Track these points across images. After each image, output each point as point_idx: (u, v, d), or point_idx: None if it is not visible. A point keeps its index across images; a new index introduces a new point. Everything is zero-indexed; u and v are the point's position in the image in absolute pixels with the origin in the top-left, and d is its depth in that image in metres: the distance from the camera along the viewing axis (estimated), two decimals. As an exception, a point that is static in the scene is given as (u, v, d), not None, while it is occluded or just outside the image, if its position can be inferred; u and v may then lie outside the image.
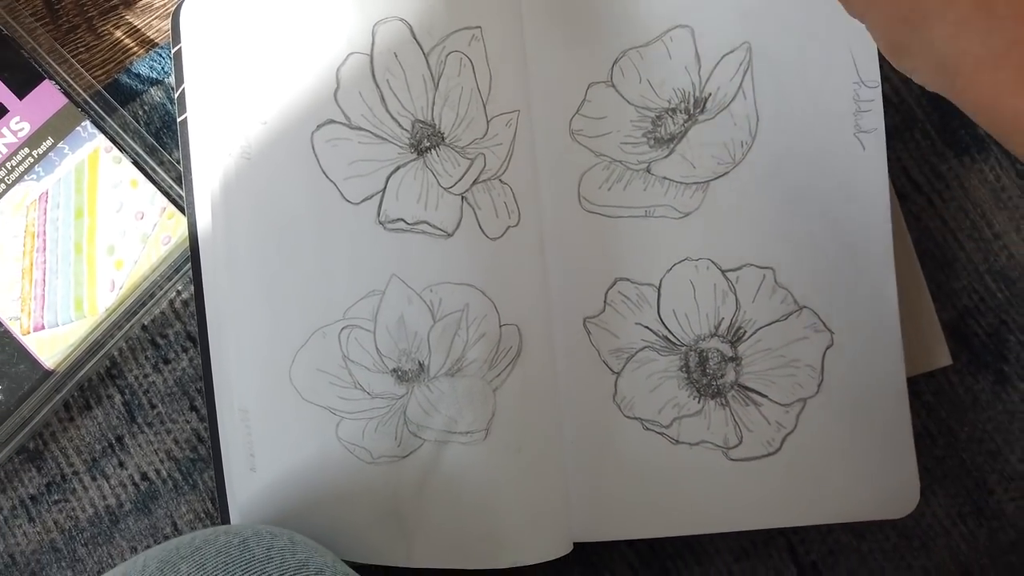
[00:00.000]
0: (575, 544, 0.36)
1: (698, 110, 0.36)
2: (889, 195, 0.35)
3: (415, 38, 0.33)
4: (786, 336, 0.36)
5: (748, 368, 0.36)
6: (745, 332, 0.36)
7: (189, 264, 0.38)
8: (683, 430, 0.36)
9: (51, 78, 0.39)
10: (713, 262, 0.36)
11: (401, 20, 0.33)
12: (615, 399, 0.36)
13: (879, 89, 0.35)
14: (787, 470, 0.35)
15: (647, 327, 0.36)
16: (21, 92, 0.39)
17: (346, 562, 0.31)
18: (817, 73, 0.35)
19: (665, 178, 0.36)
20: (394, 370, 0.34)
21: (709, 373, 0.36)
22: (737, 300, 0.36)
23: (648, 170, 0.36)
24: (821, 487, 0.35)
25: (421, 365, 0.34)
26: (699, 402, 0.36)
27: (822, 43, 0.35)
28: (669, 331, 0.36)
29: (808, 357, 0.36)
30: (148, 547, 0.39)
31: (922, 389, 0.40)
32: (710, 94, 0.36)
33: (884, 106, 0.41)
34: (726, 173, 0.36)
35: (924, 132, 0.41)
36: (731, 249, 0.36)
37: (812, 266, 0.36)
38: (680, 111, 0.36)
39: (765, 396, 0.36)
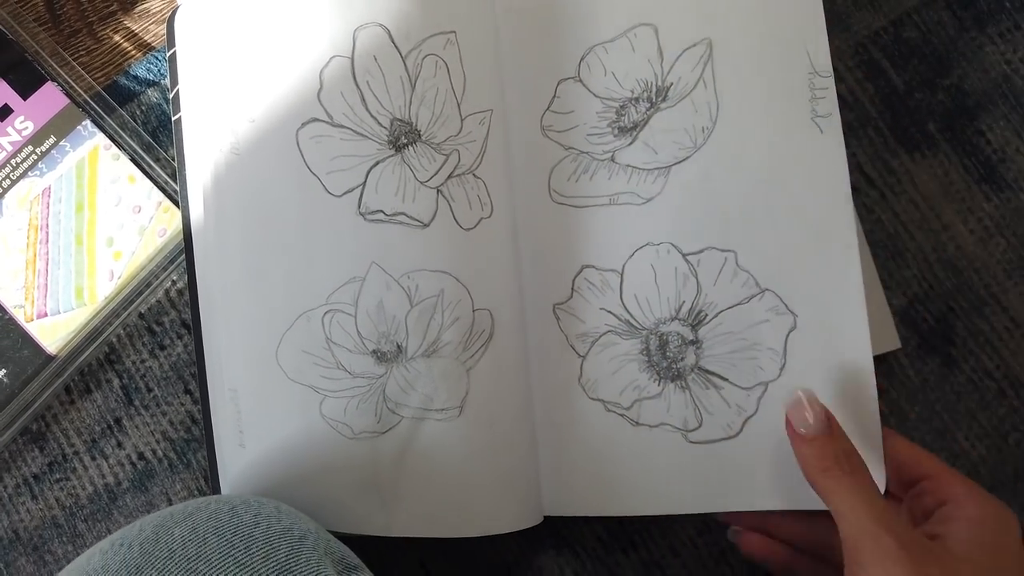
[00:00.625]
0: (546, 517, 0.37)
1: (660, 98, 0.36)
2: (848, 176, 0.35)
3: (393, 42, 0.35)
4: (748, 319, 0.36)
5: (709, 351, 0.36)
6: (706, 315, 0.36)
7: (183, 255, 0.40)
8: (643, 412, 0.37)
9: (53, 80, 0.41)
10: (674, 246, 0.36)
11: (380, 25, 0.35)
12: (580, 381, 0.37)
13: (832, 79, 0.36)
14: (748, 454, 0.36)
15: (610, 312, 0.37)
16: (25, 93, 0.41)
17: (329, 531, 0.32)
18: (775, 65, 0.36)
19: (628, 165, 0.37)
20: (374, 351, 0.35)
21: (669, 356, 0.37)
22: (698, 283, 0.36)
23: (612, 159, 0.37)
24: (784, 472, 0.35)
25: (399, 347, 0.36)
26: (659, 385, 0.37)
27: (779, 39, 0.36)
28: (631, 315, 0.37)
29: (770, 340, 0.36)
30: (145, 522, 0.41)
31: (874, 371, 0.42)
32: (672, 83, 0.36)
33: (840, 105, 0.43)
34: (687, 158, 0.36)
35: (877, 129, 0.43)
36: (692, 233, 0.36)
37: (774, 248, 0.36)
38: (643, 100, 0.37)
39: (726, 379, 0.36)
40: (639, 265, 0.37)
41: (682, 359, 0.37)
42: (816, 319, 0.35)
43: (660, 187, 0.37)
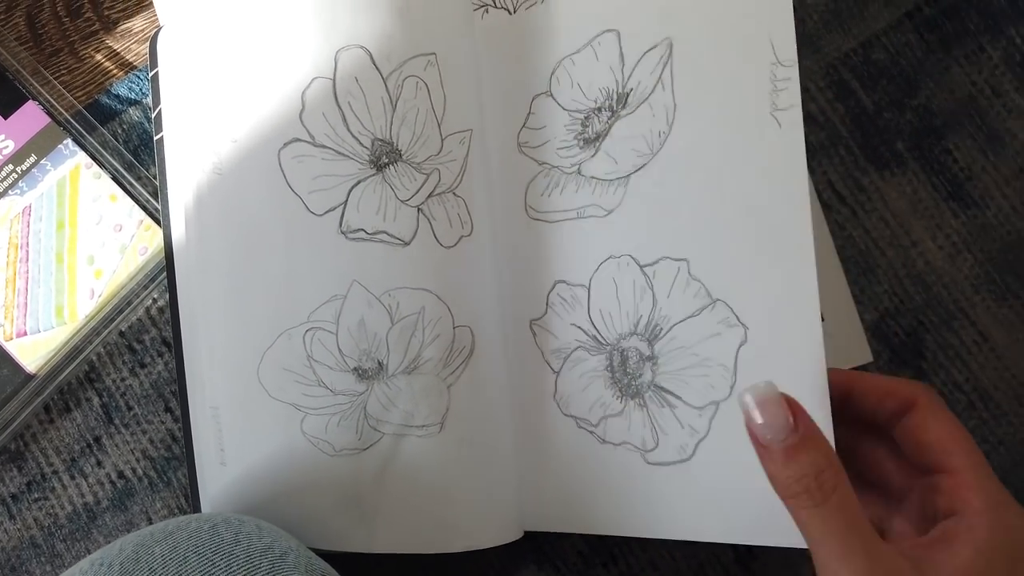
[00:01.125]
0: (526, 532, 0.37)
1: (620, 105, 0.35)
2: (807, 175, 0.32)
3: (374, 64, 0.36)
4: (699, 332, 0.34)
5: (664, 367, 0.35)
6: (661, 329, 0.35)
7: (164, 273, 0.40)
8: (608, 429, 0.36)
9: (34, 99, 0.41)
10: (633, 258, 0.35)
11: (361, 47, 0.36)
12: (555, 397, 0.37)
13: (795, 68, 0.32)
14: (700, 478, 0.34)
15: (580, 327, 0.37)
16: (6, 112, 0.41)
17: (312, 549, 0.32)
18: (735, 58, 0.33)
19: (592, 177, 0.36)
20: (355, 369, 0.36)
21: (629, 373, 0.35)
22: (654, 296, 0.35)
23: (579, 171, 0.36)
24: (735, 502, 0.33)
25: (380, 364, 0.36)
26: (621, 402, 0.36)
27: (741, 30, 0.33)
28: (597, 330, 0.36)
29: (721, 355, 0.33)
30: (124, 541, 0.40)
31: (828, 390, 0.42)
32: (631, 89, 0.35)
33: (810, 125, 0.44)
34: (644, 165, 0.35)
35: (848, 148, 0.45)
36: (649, 243, 0.35)
37: (726, 255, 0.33)
38: (605, 109, 0.36)
39: (679, 398, 0.34)
40: (603, 279, 0.36)
41: (640, 376, 0.35)
42: (767, 332, 0.33)
43: (620, 198, 0.36)
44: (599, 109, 0.36)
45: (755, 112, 0.33)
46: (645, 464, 0.35)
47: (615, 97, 0.35)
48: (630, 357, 0.35)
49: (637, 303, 0.35)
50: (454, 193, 0.37)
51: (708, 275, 0.34)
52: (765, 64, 0.32)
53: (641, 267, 0.35)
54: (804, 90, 0.44)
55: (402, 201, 0.36)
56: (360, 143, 0.36)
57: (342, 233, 0.36)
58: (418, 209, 0.36)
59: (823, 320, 0.41)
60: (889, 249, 0.44)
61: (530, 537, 0.38)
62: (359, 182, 0.36)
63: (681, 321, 0.34)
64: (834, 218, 0.44)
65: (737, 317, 0.33)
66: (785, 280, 0.32)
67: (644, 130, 0.35)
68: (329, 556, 0.33)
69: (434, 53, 0.37)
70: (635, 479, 0.35)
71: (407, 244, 0.36)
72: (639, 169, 0.35)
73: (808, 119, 0.44)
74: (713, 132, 0.34)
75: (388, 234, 0.36)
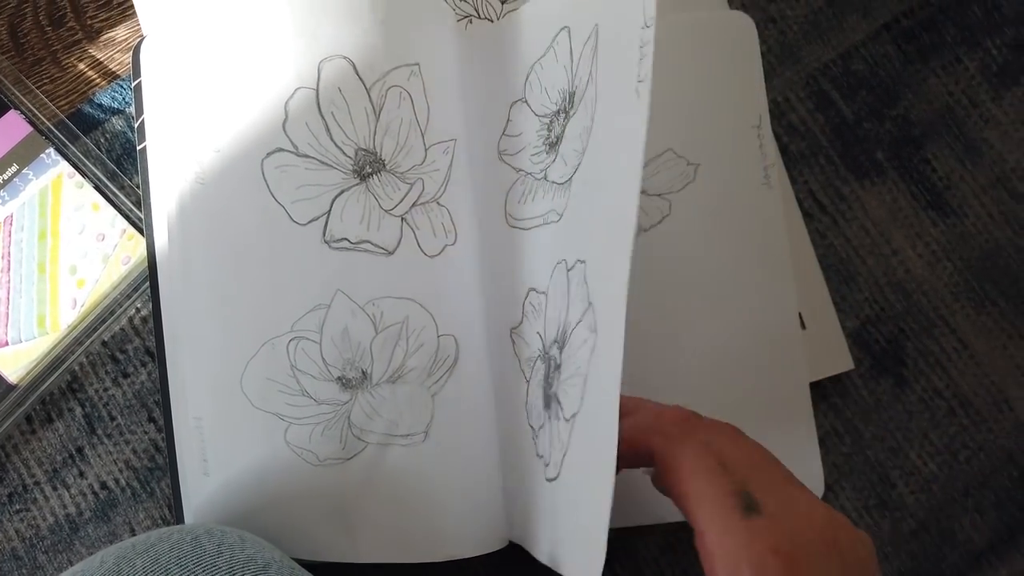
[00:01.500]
0: (512, 541, 0.37)
1: (570, 105, 0.34)
2: (642, 159, 0.26)
3: (358, 74, 0.36)
4: (578, 339, 0.31)
5: (561, 376, 0.33)
6: (567, 336, 0.32)
7: (147, 282, 0.40)
8: (539, 441, 0.34)
9: (16, 108, 0.41)
10: (566, 262, 0.33)
11: (344, 58, 0.36)
12: (526, 406, 0.36)
13: (653, 29, 0.27)
14: (563, 497, 0.31)
15: (540, 335, 0.35)
16: (-13, 121, 0.41)
17: (295, 559, 0.32)
18: (625, 33, 0.29)
19: (553, 182, 0.35)
20: (339, 378, 0.36)
21: (550, 382, 0.34)
22: (569, 301, 0.32)
23: (545, 177, 0.36)
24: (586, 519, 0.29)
25: (364, 373, 0.36)
26: (546, 413, 0.34)
27: None
28: (546, 338, 0.35)
29: (583, 364, 0.30)
30: (107, 552, 0.40)
31: (829, 392, 0.42)
32: (576, 87, 0.34)
33: (791, 134, 0.45)
34: (579, 164, 0.33)
35: (828, 158, 0.45)
36: (574, 246, 0.33)
37: (604, 256, 0.29)
38: (561, 111, 0.35)
39: (562, 409, 0.32)
40: (553, 285, 0.34)
41: (552, 385, 0.33)
42: (609, 339, 0.28)
43: (565, 201, 0.34)
44: (558, 112, 0.35)
45: (624, 88, 0.28)
46: (545, 480, 0.33)
47: (567, 98, 0.34)
48: (551, 366, 0.34)
49: (562, 308, 0.33)
50: (438, 202, 0.37)
51: (593, 277, 0.30)
52: (636, 28, 0.27)
53: (567, 271, 0.33)
54: (785, 100, 0.45)
55: (386, 210, 0.36)
56: (343, 153, 0.36)
57: (326, 242, 0.36)
58: (402, 218, 0.36)
59: (804, 328, 0.41)
60: (869, 257, 0.44)
61: (515, 545, 0.38)
62: (343, 191, 0.36)
63: (575, 327, 0.31)
64: (815, 227, 0.44)
65: (596, 323, 0.30)
66: (618, 280, 0.27)
67: (581, 128, 0.33)
68: (313, 566, 0.33)
69: (417, 63, 0.37)
70: (541, 496, 0.33)
71: (391, 253, 0.36)
72: (577, 169, 0.33)
73: (789, 129, 0.45)
74: (607, 121, 0.30)
75: (372, 243, 0.36)
